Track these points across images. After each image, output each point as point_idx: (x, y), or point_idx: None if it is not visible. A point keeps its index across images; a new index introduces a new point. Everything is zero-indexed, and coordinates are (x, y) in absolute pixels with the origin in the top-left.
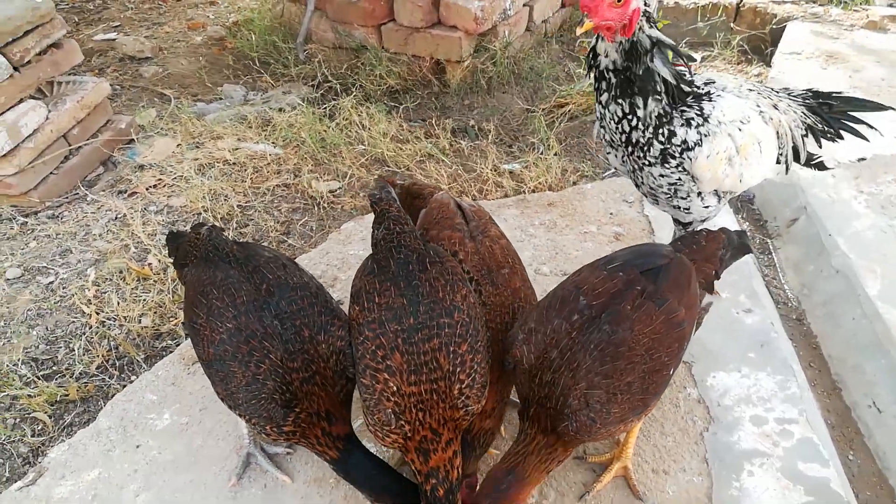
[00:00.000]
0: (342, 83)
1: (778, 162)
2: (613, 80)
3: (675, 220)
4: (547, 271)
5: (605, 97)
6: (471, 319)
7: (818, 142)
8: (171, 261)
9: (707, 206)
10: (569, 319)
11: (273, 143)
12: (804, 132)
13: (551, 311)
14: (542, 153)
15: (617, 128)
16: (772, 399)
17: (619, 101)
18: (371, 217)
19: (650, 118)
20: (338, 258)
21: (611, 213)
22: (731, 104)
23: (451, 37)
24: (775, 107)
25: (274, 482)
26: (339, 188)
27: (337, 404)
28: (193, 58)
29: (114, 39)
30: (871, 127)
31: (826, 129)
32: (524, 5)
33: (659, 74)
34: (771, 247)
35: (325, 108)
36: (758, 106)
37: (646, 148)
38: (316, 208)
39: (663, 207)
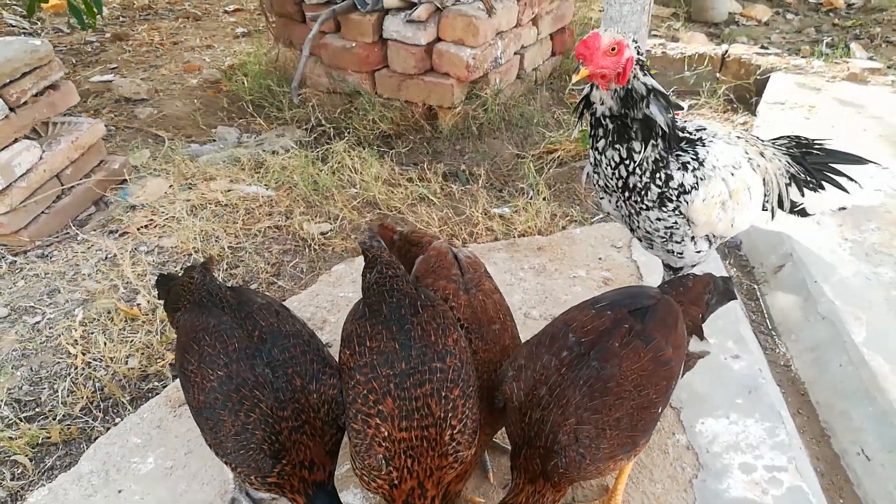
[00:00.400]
0: (335, 127)
1: (764, 209)
2: (610, 127)
3: (666, 266)
4: (537, 315)
5: (601, 143)
6: (462, 364)
7: (801, 190)
8: (162, 304)
9: (699, 251)
10: (558, 356)
11: (266, 185)
12: (788, 181)
13: (541, 347)
14: (531, 198)
15: (613, 173)
16: (760, 446)
17: (617, 146)
18: (361, 260)
19: (647, 163)
20: (328, 300)
21: (599, 258)
22: (723, 150)
23: (444, 84)
24: (762, 154)
25: None
26: (331, 230)
27: (323, 454)
28: (188, 100)
29: (110, 81)
30: (851, 179)
31: (808, 178)
32: (515, 54)
33: (655, 120)
34: (758, 292)
35: (318, 151)
36: (746, 153)
37: (643, 192)
38: (307, 250)
39: (657, 252)
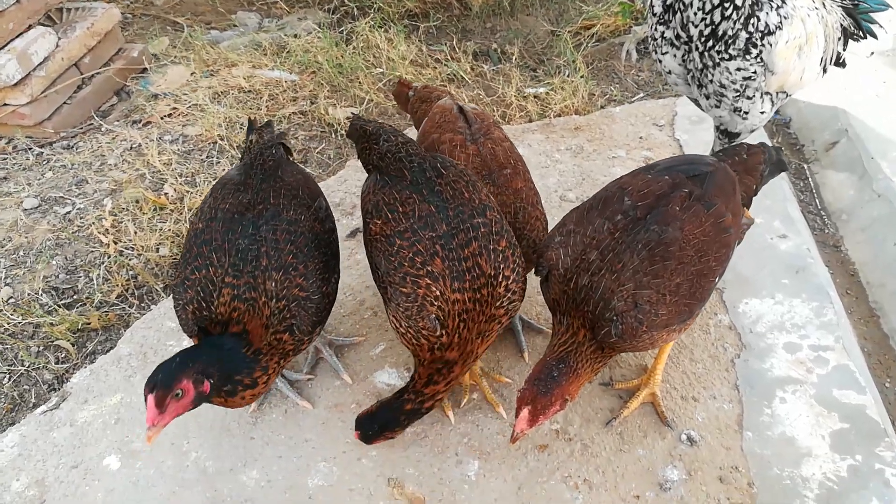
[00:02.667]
0: (359, 6)
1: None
2: None
3: (722, 132)
4: (573, 198)
5: None
6: (501, 216)
7: (846, 43)
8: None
9: (763, 112)
10: (612, 220)
11: (289, 69)
12: (840, 35)
13: (592, 212)
14: (568, 76)
15: (703, 19)
16: (806, 326)
17: None
18: None
19: (745, 6)
20: (356, 185)
21: (640, 137)
22: None
23: None
24: (823, 4)
25: (294, 408)
26: (358, 113)
27: (261, 333)
28: None
29: None
30: (880, 25)
31: (855, 30)
32: None
33: None
34: (807, 172)
35: (342, 31)
36: (812, 1)
37: (731, 40)
38: (333, 136)
39: (721, 112)
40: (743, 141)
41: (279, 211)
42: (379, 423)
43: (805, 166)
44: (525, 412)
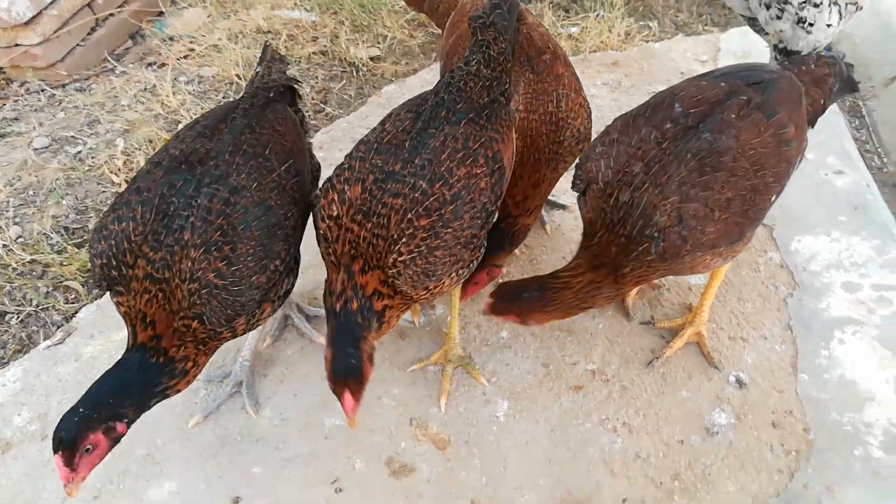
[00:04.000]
0: None
1: None
2: None
3: (779, 51)
4: None
5: None
6: (453, 201)
7: None
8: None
9: (829, 25)
10: (660, 128)
11: (309, 9)
12: None
13: (640, 119)
14: (602, 15)
15: None
16: (867, 265)
17: None
18: (413, 81)
19: None
20: (378, 120)
21: (682, 73)
22: None
23: None
24: None
25: (311, 345)
26: (380, 54)
27: (166, 323)
28: None
29: None
30: None
31: None
32: None
33: None
34: (864, 109)
35: None
36: None
37: None
38: (355, 75)
39: (782, 25)
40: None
41: (228, 172)
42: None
43: (861, 104)
44: (487, 302)
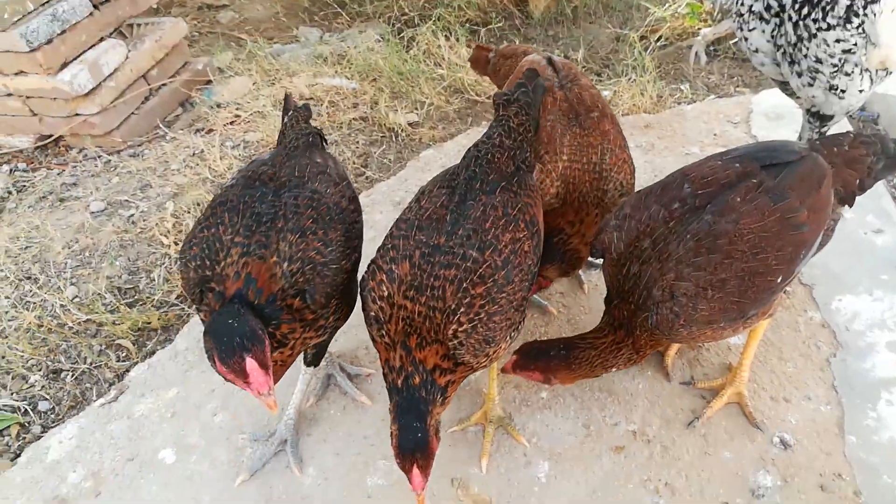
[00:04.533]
0: (420, 15)
1: None
2: None
3: (813, 116)
4: None
5: None
6: (504, 266)
7: None
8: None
9: (861, 91)
10: (668, 207)
11: (349, 77)
12: None
13: (650, 197)
14: (634, 79)
15: None
16: None
17: None
18: (450, 146)
19: None
20: (416, 185)
21: (714, 134)
22: None
23: None
24: None
25: (353, 404)
26: (418, 119)
27: (266, 280)
28: (269, 3)
29: None
30: None
31: None
32: None
33: None
34: None
35: (402, 37)
36: None
37: (829, 6)
38: (394, 140)
39: (815, 92)
40: (845, 130)
41: (303, 182)
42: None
43: None
44: (512, 358)
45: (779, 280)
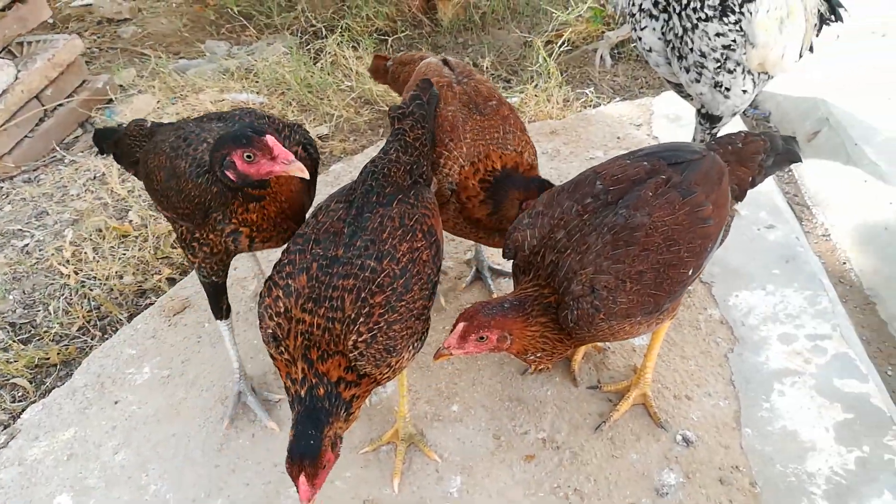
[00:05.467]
0: (327, 26)
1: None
2: None
3: (703, 117)
4: None
5: None
6: (402, 275)
7: (820, 29)
8: (113, 159)
9: (744, 91)
10: (581, 202)
11: (257, 91)
12: (816, 21)
13: (563, 194)
14: (542, 84)
15: None
16: (801, 315)
17: None
18: (360, 158)
19: None
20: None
21: (618, 138)
22: None
23: None
24: None
25: (262, 431)
26: (328, 132)
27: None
28: (174, 17)
29: (90, 4)
30: (845, 9)
31: (829, 14)
32: None
33: None
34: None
35: (311, 49)
36: None
37: None
38: None
39: (701, 88)
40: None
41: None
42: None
43: None
44: (460, 326)
45: (689, 272)
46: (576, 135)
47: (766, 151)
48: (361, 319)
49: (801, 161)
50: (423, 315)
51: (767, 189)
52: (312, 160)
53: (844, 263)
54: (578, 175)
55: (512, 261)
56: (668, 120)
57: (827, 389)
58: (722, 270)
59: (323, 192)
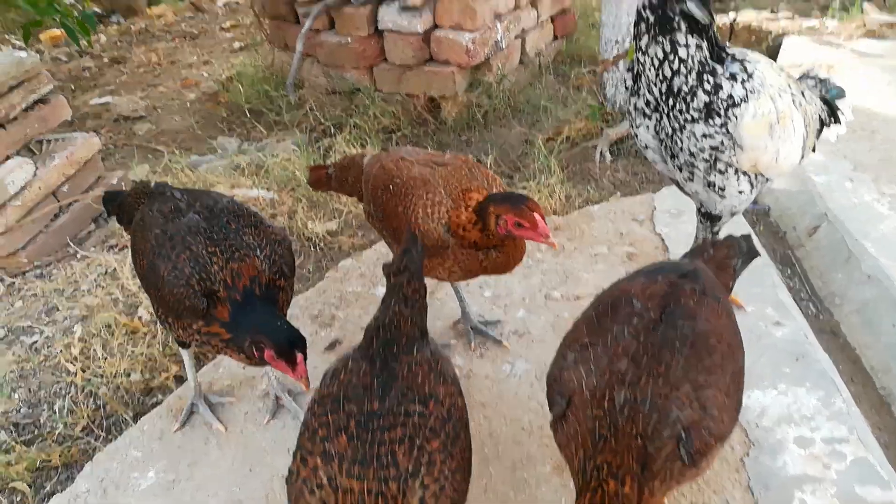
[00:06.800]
0: (336, 124)
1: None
2: (651, 19)
3: (703, 216)
4: (558, 296)
5: (644, 40)
6: (450, 418)
7: (820, 131)
8: (116, 221)
9: (741, 192)
10: (629, 322)
11: (267, 187)
12: (819, 125)
13: (603, 319)
14: (543, 180)
15: (657, 75)
16: (816, 417)
17: (660, 38)
18: (369, 254)
19: (692, 61)
20: (335, 296)
21: (621, 234)
22: (770, 72)
23: (444, 72)
24: (802, 94)
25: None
26: (337, 228)
27: (258, 273)
28: (187, 114)
29: (108, 103)
30: (842, 112)
31: (829, 118)
32: (516, 38)
33: (693, 15)
34: (793, 258)
35: (320, 147)
36: (789, 87)
37: (689, 98)
38: (312, 250)
39: (696, 186)
40: (717, 230)
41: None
42: None
43: (790, 253)
44: None
45: (743, 377)
46: (579, 231)
47: (734, 255)
48: (423, 470)
49: (759, 255)
50: (470, 465)
51: (770, 283)
52: (284, 284)
53: (855, 362)
54: (606, 297)
55: (555, 418)
56: (670, 216)
57: (849, 497)
58: None
59: (333, 288)
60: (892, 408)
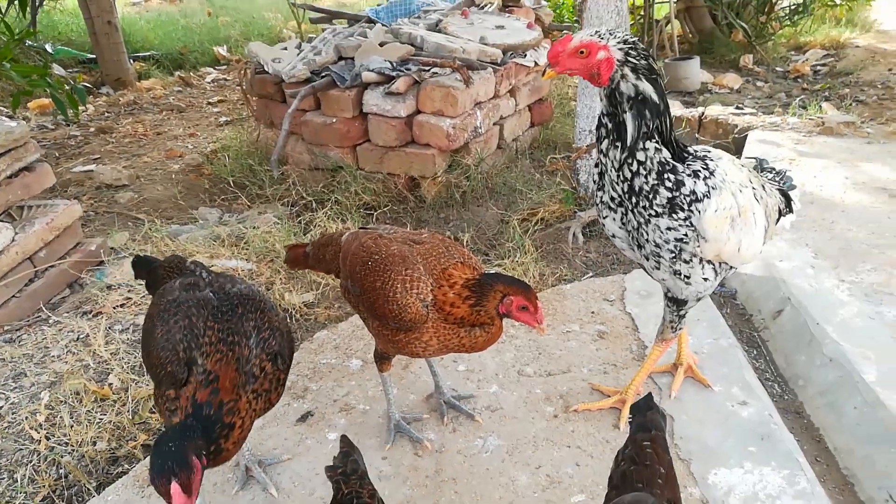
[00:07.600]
0: (317, 200)
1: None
2: (609, 125)
3: (670, 301)
4: (531, 372)
5: (605, 143)
6: None
7: (777, 221)
8: (144, 285)
9: (706, 279)
10: None
11: (246, 258)
12: (777, 216)
13: None
14: (518, 258)
15: (618, 175)
16: (781, 496)
17: (617, 143)
18: (344, 326)
19: (651, 163)
20: (309, 368)
21: (592, 312)
22: (731, 168)
23: (425, 154)
24: (763, 187)
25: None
26: (314, 300)
27: (231, 379)
28: (170, 184)
29: (91, 170)
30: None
31: (785, 208)
32: (494, 124)
33: (645, 122)
34: (759, 340)
35: (300, 221)
36: (751, 181)
37: (651, 196)
38: (289, 321)
39: (663, 274)
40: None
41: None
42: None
43: (756, 335)
44: None
45: None
46: (552, 308)
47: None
48: None
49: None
50: None
51: (737, 364)
52: (280, 372)
53: (819, 442)
54: None
55: None
56: (639, 296)
57: None
58: (699, 447)
59: (307, 360)
60: (854, 488)
